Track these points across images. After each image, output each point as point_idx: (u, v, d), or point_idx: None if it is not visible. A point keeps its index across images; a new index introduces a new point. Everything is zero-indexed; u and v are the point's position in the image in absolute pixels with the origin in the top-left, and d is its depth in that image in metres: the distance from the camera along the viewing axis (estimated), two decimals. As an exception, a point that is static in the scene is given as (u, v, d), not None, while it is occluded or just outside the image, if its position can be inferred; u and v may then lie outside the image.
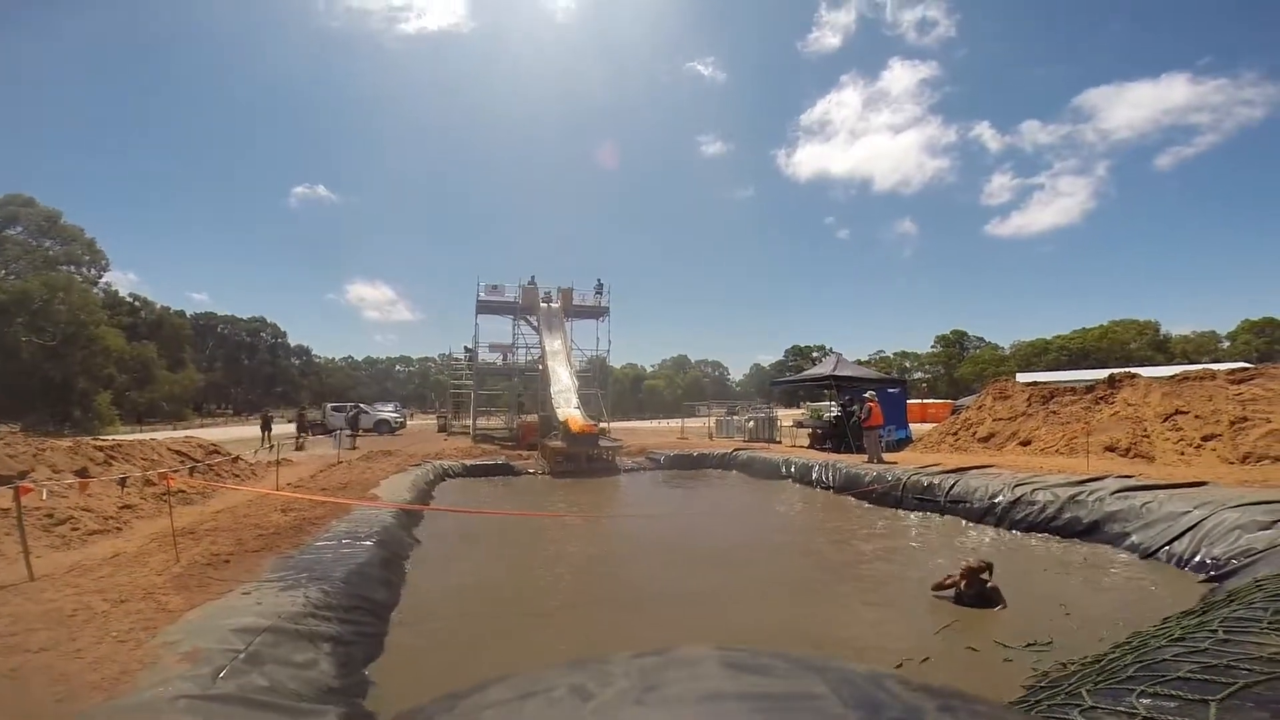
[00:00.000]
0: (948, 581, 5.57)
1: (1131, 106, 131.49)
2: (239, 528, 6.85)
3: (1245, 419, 10.14)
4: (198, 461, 10.87)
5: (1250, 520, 5.73)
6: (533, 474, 17.00)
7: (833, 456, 15.15)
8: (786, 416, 26.38)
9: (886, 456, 13.83)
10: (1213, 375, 12.16)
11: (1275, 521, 5.54)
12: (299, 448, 19.95)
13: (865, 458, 13.58)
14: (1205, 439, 10.24)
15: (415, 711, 1.10)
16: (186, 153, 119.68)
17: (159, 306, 59.92)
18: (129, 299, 57.30)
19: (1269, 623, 3.22)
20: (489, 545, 8.56)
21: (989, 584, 5.31)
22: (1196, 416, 10.76)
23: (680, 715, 0.90)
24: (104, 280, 50.09)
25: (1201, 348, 60.32)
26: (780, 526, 10.20)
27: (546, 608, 5.85)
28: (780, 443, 20.82)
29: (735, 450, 18.71)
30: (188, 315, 64.59)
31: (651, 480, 16.46)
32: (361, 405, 31.47)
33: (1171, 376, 12.97)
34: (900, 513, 10.20)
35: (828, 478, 13.29)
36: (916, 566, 7.01)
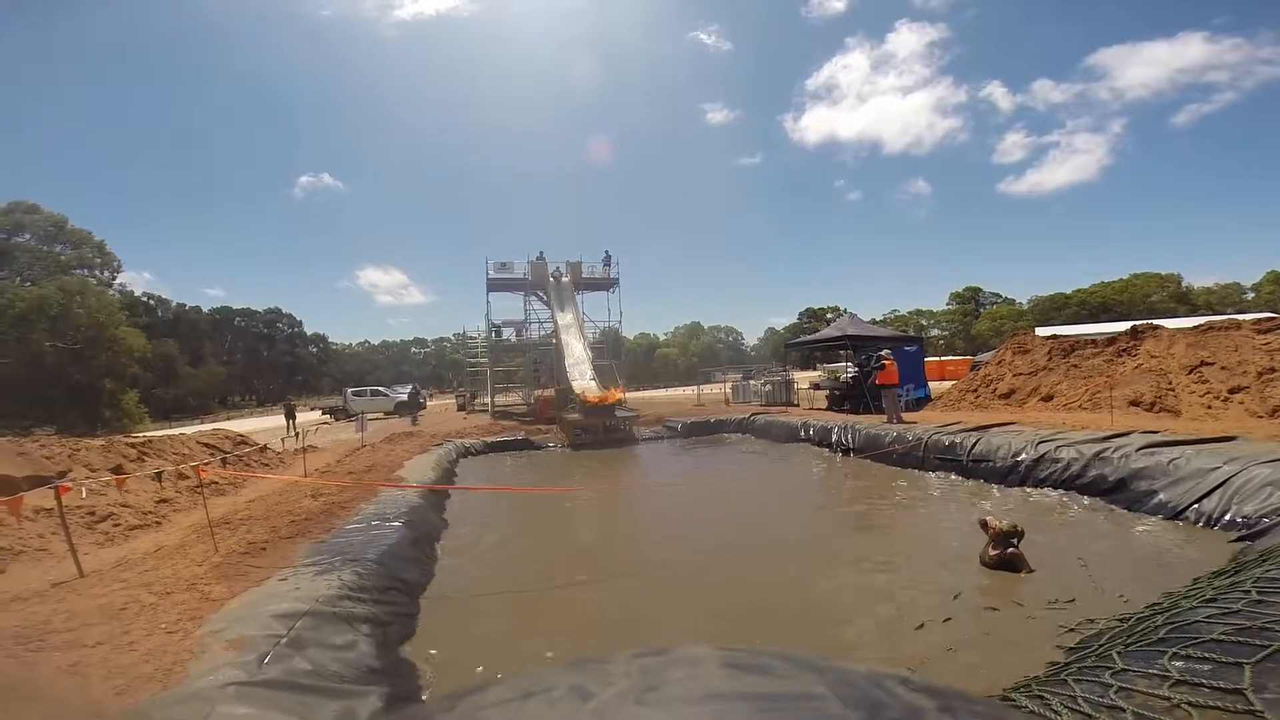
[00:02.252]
0: (991, 524, 5.45)
1: (1146, 65, 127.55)
2: (272, 516, 7.02)
3: (1273, 369, 9.91)
4: (227, 453, 11.12)
5: (1282, 476, 5.64)
6: (552, 448, 17.19)
7: (851, 418, 15.12)
8: (803, 379, 26.35)
9: (906, 416, 13.78)
10: (1238, 325, 11.85)
11: (1308, 477, 5.45)
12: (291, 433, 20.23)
13: (884, 418, 13.53)
14: (1232, 391, 10.04)
15: (415, 711, 1.13)
16: (189, 150, 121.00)
17: (175, 304, 61.10)
18: (145, 299, 58.68)
19: (1303, 583, 3.20)
20: (515, 520, 8.71)
21: (1014, 550, 5.29)
22: (1222, 368, 10.55)
23: (680, 715, 0.91)
24: (118, 281, 51.02)
25: (1225, 299, 59.11)
26: (801, 490, 10.26)
27: (574, 581, 5.96)
28: (798, 406, 20.79)
29: (752, 415, 18.73)
30: (205, 311, 65.73)
31: (670, 448, 16.59)
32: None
33: (1195, 327, 12.65)
34: (922, 473, 10.21)
35: (847, 439, 13.29)
36: (939, 528, 7.03)
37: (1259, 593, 3.23)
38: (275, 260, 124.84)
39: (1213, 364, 10.79)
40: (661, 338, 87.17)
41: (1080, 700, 2.62)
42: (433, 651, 4.40)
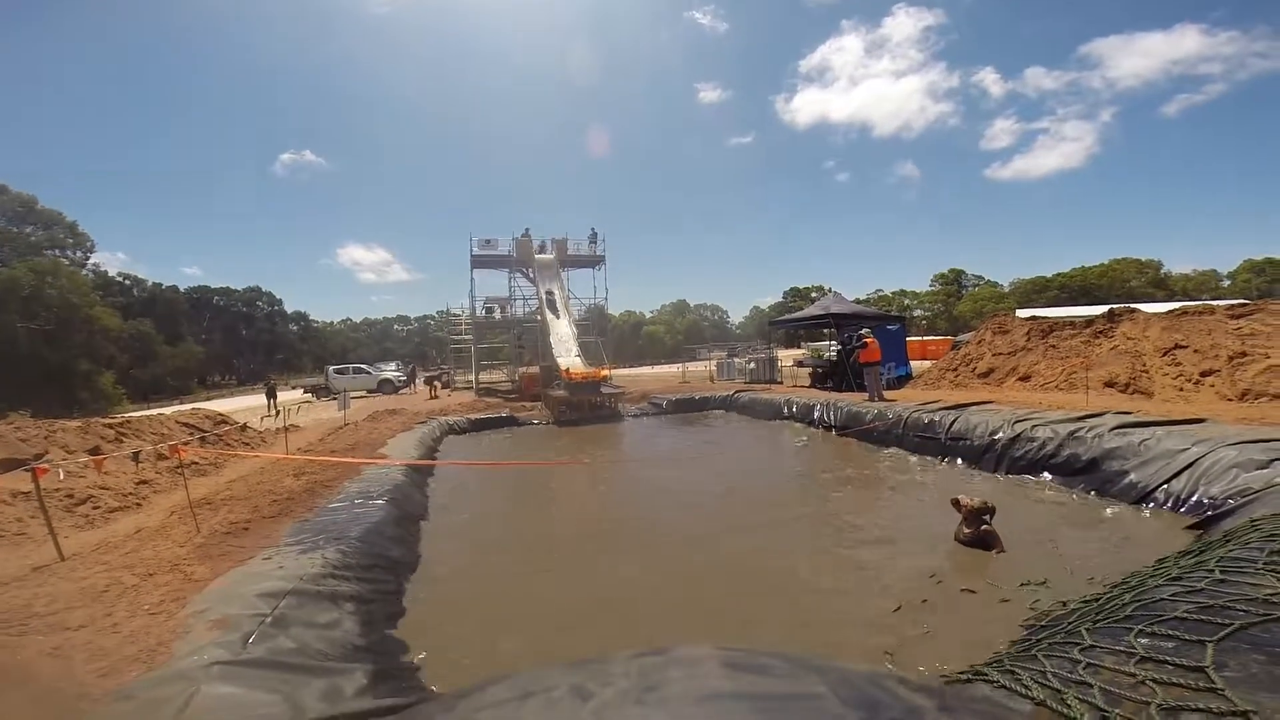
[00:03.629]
0: (964, 502, 5.60)
1: (1141, 55, 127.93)
2: (254, 495, 6.98)
3: (1244, 354, 10.15)
4: (207, 433, 10.98)
5: (1248, 459, 5.77)
6: (537, 424, 17.21)
7: (834, 395, 15.30)
8: (787, 357, 26.52)
9: (887, 394, 13.95)
10: (1212, 310, 12.10)
11: (1272, 460, 5.59)
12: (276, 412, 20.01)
13: (866, 396, 13.70)
14: (1204, 374, 10.28)
15: (415, 711, 1.13)
16: (165, 128, 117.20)
17: (151, 284, 59.93)
18: (120, 279, 57.54)
19: (1265, 563, 3.31)
20: (499, 497, 8.75)
21: (987, 528, 5.42)
22: (1195, 351, 10.78)
23: (680, 715, 0.91)
24: (92, 262, 50.26)
25: (1202, 286, 60.29)
26: (781, 468, 10.38)
27: (558, 557, 6.02)
28: (781, 383, 20.99)
29: (736, 392, 18.92)
30: (182, 290, 64.64)
31: (654, 425, 16.69)
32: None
33: (1170, 311, 12.90)
34: (901, 451, 10.38)
35: (829, 417, 13.49)
36: (916, 505, 7.17)
37: (1222, 572, 3.35)
38: (255, 239, 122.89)
39: (1186, 347, 11.02)
40: (648, 315, 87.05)
41: (1049, 675, 2.70)
42: (417, 627, 4.43)
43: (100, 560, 4.86)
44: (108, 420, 10.42)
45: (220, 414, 13.86)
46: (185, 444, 8.08)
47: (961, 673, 3.18)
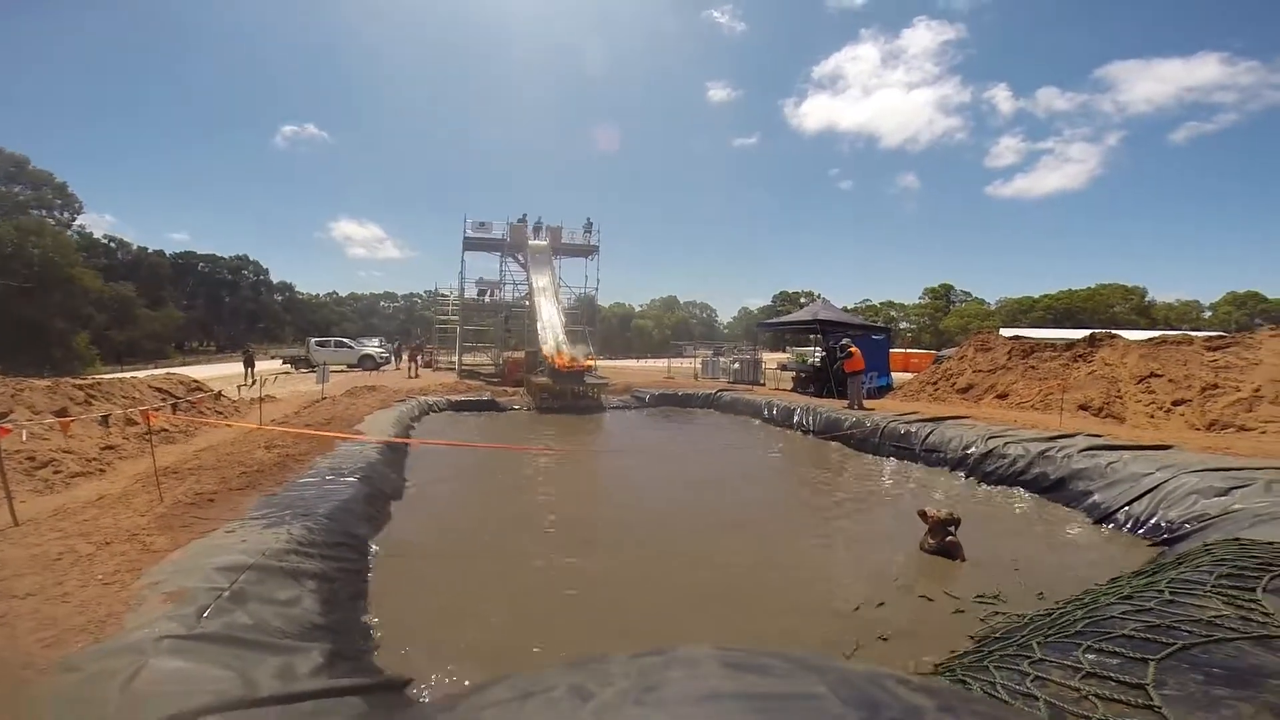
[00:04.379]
0: (930, 513, 5.68)
1: (1156, 81, 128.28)
2: (222, 466, 6.88)
3: (1216, 386, 10.37)
4: (179, 399, 10.80)
5: (1208, 486, 5.91)
6: (518, 410, 17.14)
7: (814, 400, 15.45)
8: (771, 360, 26.65)
9: (867, 403, 14.08)
10: (1190, 340, 12.34)
11: (1230, 489, 5.73)
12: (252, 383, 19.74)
13: (846, 403, 13.82)
14: (1176, 403, 10.49)
15: (415, 711, 1.13)
16: (167, 94, 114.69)
17: (136, 247, 59.27)
18: (105, 240, 57.09)
19: (1212, 586, 3.39)
20: (474, 480, 8.70)
21: (951, 538, 5.51)
22: (1170, 380, 10.99)
23: (680, 715, 0.91)
24: (78, 223, 49.85)
25: (1184, 315, 61.38)
26: (757, 468, 10.44)
27: (529, 542, 6.02)
28: (764, 385, 21.11)
29: (719, 391, 18.99)
30: (167, 255, 63.93)
31: (636, 418, 16.70)
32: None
33: (1150, 340, 13.14)
34: (876, 459, 10.48)
35: (808, 421, 13.60)
36: (885, 513, 7.25)
37: (1171, 593, 3.42)
38: (247, 208, 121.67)
39: (1161, 376, 11.23)
40: (637, 309, 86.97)
41: (999, 687, 2.75)
42: (381, 608, 4.40)
43: (56, 527, 4.76)
44: (77, 381, 10.20)
45: (195, 380, 13.64)
46: (156, 410, 7.93)
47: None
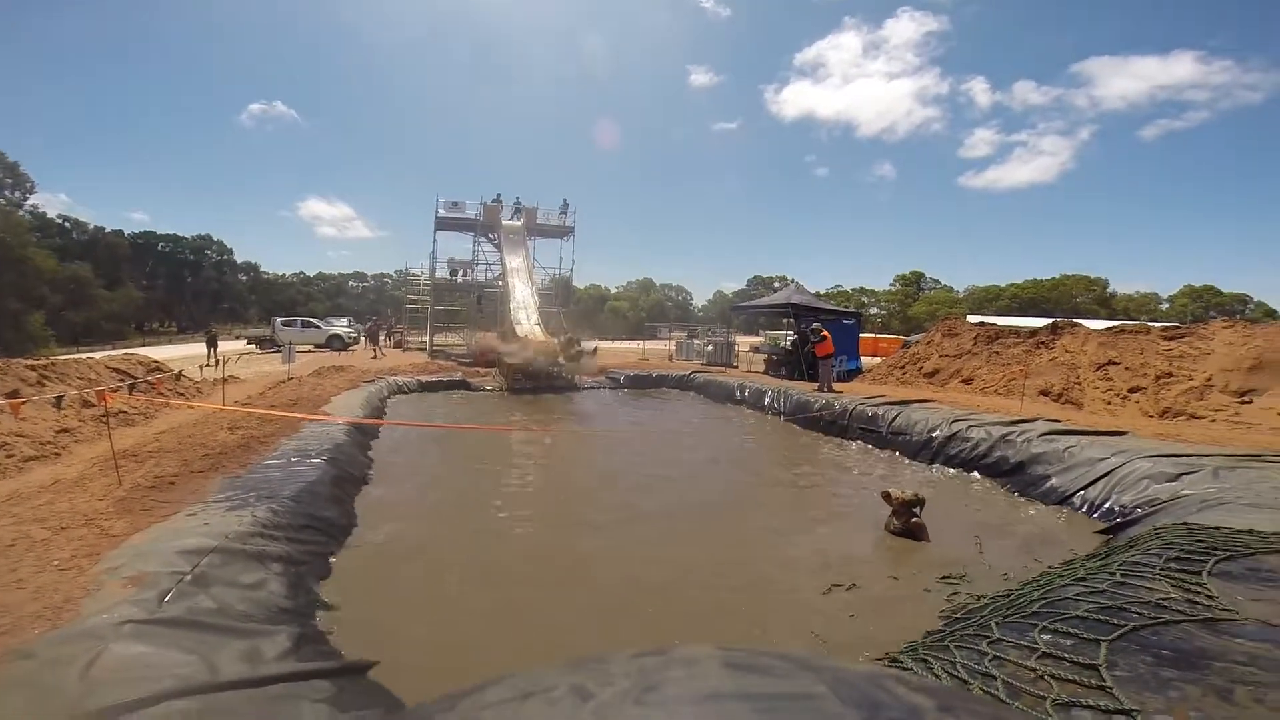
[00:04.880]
0: (895, 495, 5.82)
1: (1131, 78, 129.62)
2: (184, 448, 6.70)
3: (1170, 374, 10.77)
4: (138, 379, 10.44)
5: (1159, 471, 6.15)
6: (490, 390, 17.01)
7: (785, 383, 15.64)
8: (744, 343, 26.89)
9: (836, 386, 14.31)
10: (1148, 330, 12.78)
11: (1180, 475, 5.97)
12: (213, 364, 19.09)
13: (816, 386, 14.04)
14: (1132, 390, 10.86)
15: (415, 711, 1.11)
16: (126, 73, 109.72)
17: (92, 227, 57.35)
18: (59, 220, 55.26)
19: (1161, 569, 3.55)
20: (443, 462, 8.63)
21: (916, 519, 5.66)
22: (1126, 368, 11.37)
23: (680, 715, 0.91)
24: (30, 202, 47.91)
25: (1142, 307, 63.29)
26: (728, 449, 10.55)
27: (500, 524, 6.01)
28: (737, 367, 21.29)
29: (693, 372, 19.13)
30: (126, 235, 61.89)
31: (610, 399, 16.71)
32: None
33: (1109, 329, 13.56)
34: (844, 441, 10.67)
35: (779, 403, 13.81)
36: (853, 494, 7.39)
37: (1123, 575, 3.57)
38: (210, 188, 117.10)
39: (1119, 364, 11.61)
40: (613, 291, 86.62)
41: (959, 666, 2.85)
42: (349, 592, 4.36)
43: (9, 512, 4.58)
44: (30, 361, 9.76)
45: (155, 360, 13.20)
46: (114, 390, 7.65)
47: (878, 659, 3.32)
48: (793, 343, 18.63)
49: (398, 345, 29.82)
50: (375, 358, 22.86)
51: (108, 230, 59.15)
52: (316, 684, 3.07)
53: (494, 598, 4.45)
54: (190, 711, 2.48)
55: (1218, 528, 4.38)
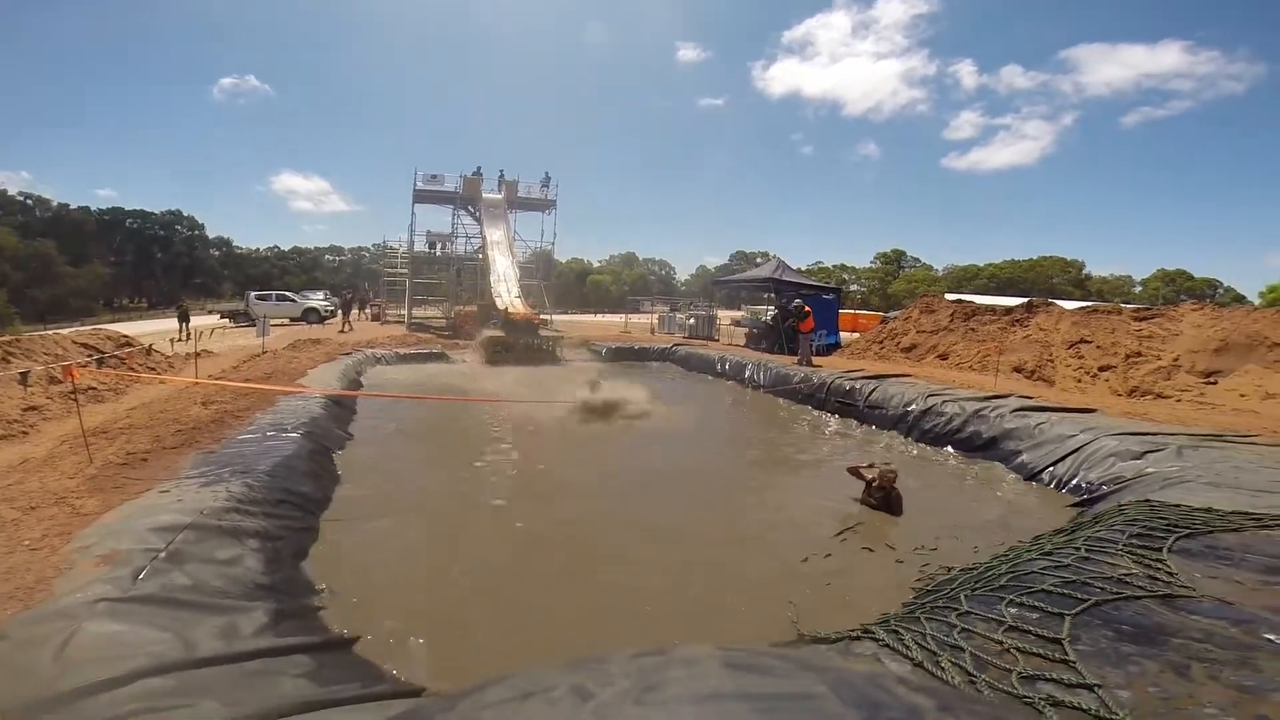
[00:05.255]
0: (864, 471, 5.96)
1: (1118, 66, 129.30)
2: (156, 424, 6.56)
3: (1140, 354, 11.03)
4: (107, 355, 10.15)
5: (1125, 449, 6.32)
6: (469, 363, 16.89)
7: (765, 356, 15.84)
8: (726, 316, 26.95)
9: (815, 360, 14.48)
10: (1119, 311, 13.05)
11: (1145, 453, 6.15)
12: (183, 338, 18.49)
13: (796, 359, 14.20)
14: (1102, 369, 11.11)
15: (415, 712, 1.11)
16: (94, 48, 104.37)
17: (57, 204, 55.44)
18: (20, 197, 53.83)
19: (1124, 545, 3.67)
20: (420, 435, 8.59)
21: (893, 491, 5.79)
22: (1098, 347, 11.61)
23: (680, 715, 0.92)
24: None
25: (1116, 289, 64.23)
26: (710, 421, 10.64)
27: (474, 495, 6.03)
28: (718, 341, 21.39)
29: (675, 345, 19.24)
30: (93, 212, 60.02)
31: (591, 372, 16.65)
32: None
33: (1082, 308, 13.81)
34: (822, 414, 10.83)
35: (759, 376, 13.99)
36: (829, 467, 7.51)
37: (1087, 550, 3.68)
38: (181, 164, 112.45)
39: (1090, 342, 11.85)
40: (596, 264, 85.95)
41: (929, 638, 2.93)
42: (328, 566, 4.35)
43: (-24, 493, 4.48)
44: (-6, 339, 9.48)
45: (125, 336, 12.86)
46: (83, 366, 7.44)
47: (852, 630, 3.41)
48: (773, 317, 18.74)
49: (375, 318, 29.39)
50: (343, 331, 22.34)
51: (74, 207, 57.48)
52: (297, 659, 3.08)
53: (473, 565, 4.48)
54: (166, 689, 2.47)
55: (1179, 505, 4.52)
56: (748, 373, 14.51)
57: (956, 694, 1.11)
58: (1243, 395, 9.47)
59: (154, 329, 22.39)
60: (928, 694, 1.02)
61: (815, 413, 10.99)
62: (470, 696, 1.11)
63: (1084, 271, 67.84)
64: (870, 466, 5.97)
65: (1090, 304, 15.06)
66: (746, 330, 21.06)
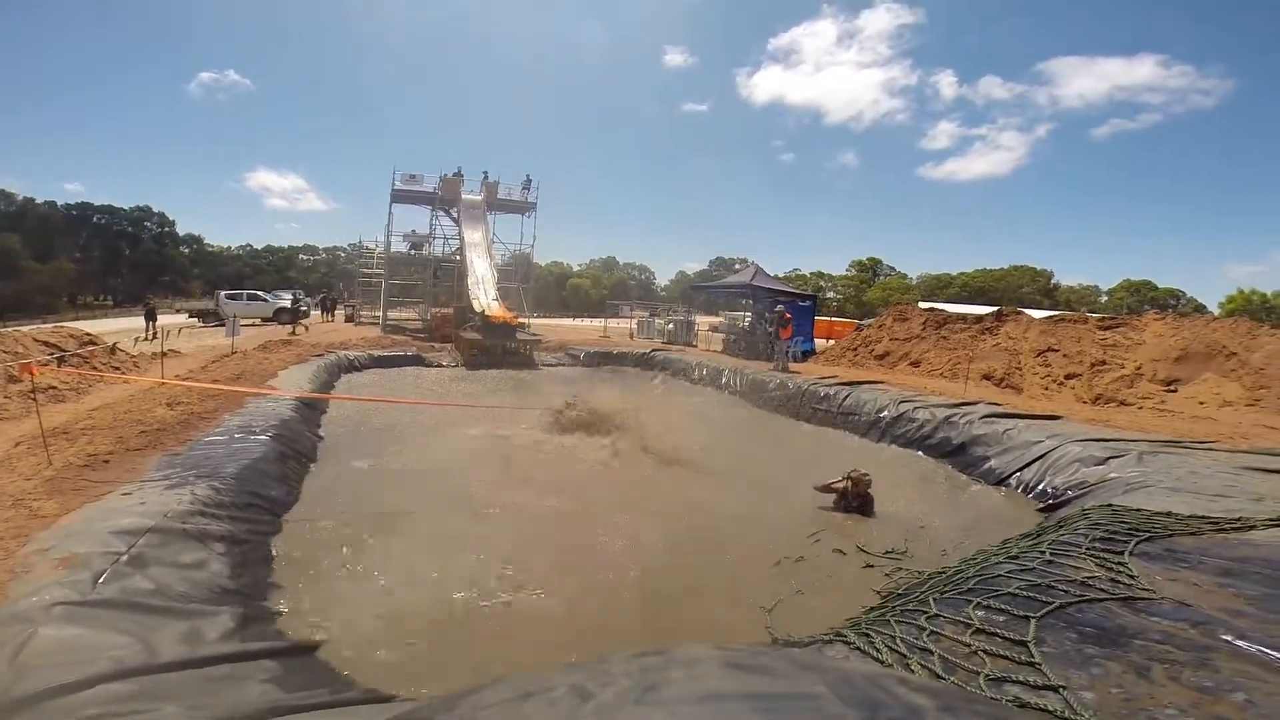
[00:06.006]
0: (834, 485, 6.04)
1: (1092, 78, 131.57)
2: (119, 425, 6.38)
3: (1104, 362, 11.35)
4: (68, 353, 9.83)
5: (1089, 455, 6.50)
6: (445, 366, 16.72)
7: (742, 363, 15.92)
8: (704, 322, 27.05)
9: (791, 366, 14.62)
10: (1085, 320, 13.42)
11: (1108, 458, 6.32)
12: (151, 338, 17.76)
13: (772, 365, 14.33)
14: (1068, 377, 11.41)
15: (414, 712, 1.10)
16: (57, 37, 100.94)
17: (21, 198, 53.54)
18: None
19: (1087, 549, 3.76)
20: (393, 439, 8.46)
21: (866, 495, 5.87)
22: (1064, 355, 11.92)
23: (680, 715, 0.91)
24: None
25: (1083, 298, 65.94)
26: (686, 425, 10.62)
27: (446, 499, 5.97)
28: (696, 347, 21.46)
29: (653, 351, 19.26)
30: (59, 206, 58.33)
31: (568, 375, 16.62)
32: (298, 293, 29.41)
33: (1049, 317, 14.17)
34: (797, 420, 10.93)
35: (735, 382, 14.11)
36: (803, 471, 7.56)
37: (1052, 554, 3.77)
38: (152, 159, 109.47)
39: (1057, 351, 12.17)
40: (575, 268, 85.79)
41: (898, 641, 2.98)
42: (295, 571, 4.27)
43: (-72, 494, 4.31)
44: (-52, 334, 9.12)
45: (88, 334, 12.48)
46: (42, 364, 7.19)
47: (824, 633, 3.44)
48: (750, 323, 18.90)
49: (349, 319, 28.95)
50: (293, 334, 20.34)
51: (39, 202, 55.77)
52: (263, 664, 3.03)
53: (441, 571, 4.42)
54: (127, 694, 2.41)
55: (1140, 510, 4.66)
56: (724, 378, 14.63)
57: (959, 693, 1.13)
58: (1201, 403, 9.79)
59: (120, 327, 21.74)
60: (929, 694, 1.03)
61: (790, 418, 11.11)
62: (470, 697, 1.10)
63: (1053, 281, 69.52)
64: (840, 480, 6.05)
65: (1058, 313, 15.45)
66: (724, 336, 21.19)
